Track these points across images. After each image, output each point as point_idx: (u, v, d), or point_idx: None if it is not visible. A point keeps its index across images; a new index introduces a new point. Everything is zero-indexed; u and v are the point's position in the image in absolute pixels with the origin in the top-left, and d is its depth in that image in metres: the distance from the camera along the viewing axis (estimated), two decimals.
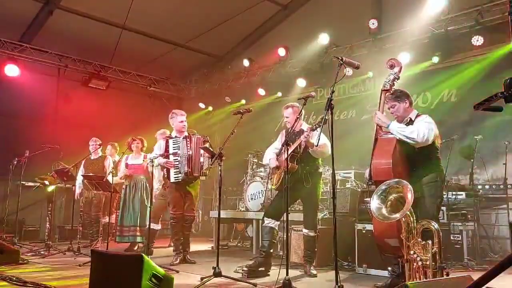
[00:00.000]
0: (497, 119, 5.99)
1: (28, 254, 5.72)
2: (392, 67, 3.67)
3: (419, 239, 3.00)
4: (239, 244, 7.57)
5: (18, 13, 7.97)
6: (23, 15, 8.09)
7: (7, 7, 7.70)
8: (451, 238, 5.35)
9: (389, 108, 3.69)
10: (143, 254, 3.14)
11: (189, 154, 5.11)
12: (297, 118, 4.19)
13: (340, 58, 3.43)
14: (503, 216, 5.78)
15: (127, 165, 6.34)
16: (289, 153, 4.40)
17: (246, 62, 9.04)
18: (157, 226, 6.14)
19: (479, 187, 5.93)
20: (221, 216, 4.79)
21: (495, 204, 5.93)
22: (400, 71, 3.65)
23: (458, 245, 5.30)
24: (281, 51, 8.38)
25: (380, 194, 3.09)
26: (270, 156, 4.83)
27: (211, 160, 4.52)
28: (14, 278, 3.93)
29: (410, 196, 2.90)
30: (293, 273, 4.36)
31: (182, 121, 5.29)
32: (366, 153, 3.77)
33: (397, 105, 3.68)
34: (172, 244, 5.64)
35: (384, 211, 3.03)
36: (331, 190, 3.32)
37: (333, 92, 3.35)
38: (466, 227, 5.35)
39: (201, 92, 10.42)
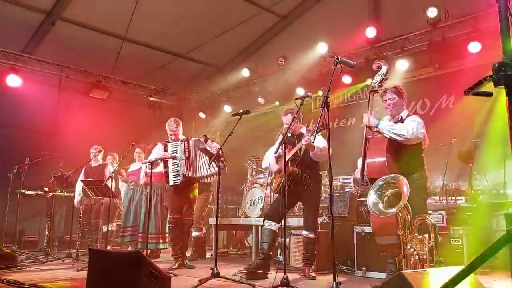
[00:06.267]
0: (498, 125, 5.99)
1: (27, 261, 5.67)
2: (379, 68, 3.74)
3: (416, 234, 3.00)
4: (238, 252, 7.51)
5: (21, 24, 8.09)
6: (26, 26, 8.21)
7: (10, 18, 7.83)
8: (451, 242, 5.32)
9: (385, 101, 3.73)
10: (141, 252, 3.14)
11: (187, 157, 5.12)
12: (294, 118, 4.22)
13: (335, 57, 3.47)
14: (503, 222, 5.73)
15: (146, 173, 6.41)
16: (289, 157, 4.43)
17: (246, 72, 9.12)
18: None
19: (479, 192, 5.90)
20: (220, 223, 4.77)
21: (495, 209, 5.89)
22: (387, 71, 3.72)
23: (458, 250, 5.27)
24: (280, 61, 8.46)
25: (377, 190, 3.10)
26: (270, 160, 4.84)
27: (209, 161, 4.52)
28: (12, 281, 3.91)
29: (406, 190, 2.91)
30: (292, 276, 4.33)
31: (172, 130, 5.32)
32: None
33: (396, 98, 3.74)
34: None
35: (381, 206, 3.04)
36: (329, 188, 3.33)
37: (329, 90, 3.38)
38: (466, 232, 5.32)
39: (201, 101, 10.48)
